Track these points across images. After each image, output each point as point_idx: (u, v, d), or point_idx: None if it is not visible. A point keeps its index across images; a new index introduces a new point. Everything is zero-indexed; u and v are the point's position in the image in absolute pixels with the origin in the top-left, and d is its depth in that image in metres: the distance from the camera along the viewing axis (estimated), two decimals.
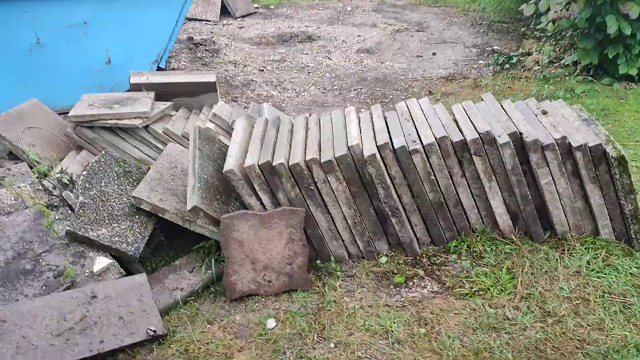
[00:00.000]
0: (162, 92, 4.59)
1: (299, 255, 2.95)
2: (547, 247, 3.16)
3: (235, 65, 6.95)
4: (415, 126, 3.27)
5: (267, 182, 2.99)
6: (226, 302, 2.91)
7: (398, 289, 2.99)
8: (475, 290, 2.90)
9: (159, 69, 5.72)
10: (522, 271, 2.98)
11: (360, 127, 3.31)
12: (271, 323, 2.75)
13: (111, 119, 4.05)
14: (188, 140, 3.94)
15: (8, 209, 3.19)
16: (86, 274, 2.79)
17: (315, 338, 2.64)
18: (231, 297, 2.92)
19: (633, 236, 3.17)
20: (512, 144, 3.04)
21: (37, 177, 3.57)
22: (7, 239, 2.86)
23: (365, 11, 9.99)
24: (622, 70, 5.58)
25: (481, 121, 3.24)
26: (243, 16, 9.86)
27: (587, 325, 2.64)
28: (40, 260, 2.80)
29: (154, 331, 2.61)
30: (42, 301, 2.56)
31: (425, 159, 3.06)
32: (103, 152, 3.52)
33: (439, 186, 3.16)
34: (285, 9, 10.42)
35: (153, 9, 5.43)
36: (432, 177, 3.11)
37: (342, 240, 3.17)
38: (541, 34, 7.29)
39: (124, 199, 3.14)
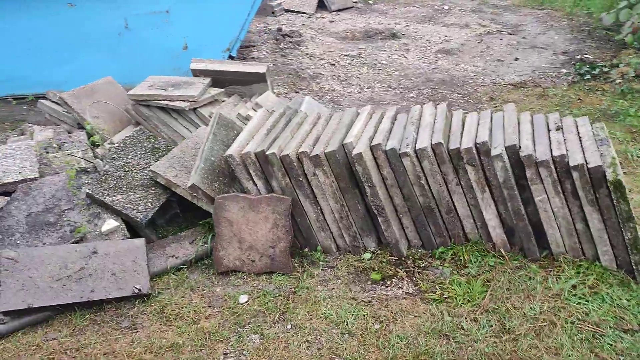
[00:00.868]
0: (218, 79, 4.95)
1: (281, 240, 3.15)
2: (537, 266, 3.09)
3: (310, 58, 7.20)
4: (417, 130, 3.32)
5: (261, 170, 3.21)
6: (213, 275, 3.19)
7: (374, 285, 3.09)
8: (445, 297, 2.93)
9: (230, 57, 6.13)
10: (496, 285, 2.95)
11: (365, 126, 3.42)
12: (243, 298, 2.98)
13: (163, 100, 4.47)
14: None
15: (57, 170, 3.70)
16: (96, 232, 3.19)
17: (276, 318, 2.84)
18: (218, 270, 3.19)
19: (634, 267, 3.00)
20: (504, 156, 3.01)
21: (90, 146, 4.07)
22: (42, 194, 3.35)
23: (462, 11, 9.80)
24: None
25: (485, 131, 3.22)
26: (339, 10, 10.08)
27: (543, 348, 2.59)
28: (63, 216, 3.25)
29: (139, 289, 2.95)
30: (51, 250, 3.00)
31: (416, 163, 3.11)
32: (138, 128, 3.94)
33: (430, 191, 3.20)
34: (382, 5, 10.49)
35: (227, 1, 5.82)
36: (423, 182, 3.15)
37: (331, 232, 3.32)
38: None
39: (145, 171, 3.52)
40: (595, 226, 3.01)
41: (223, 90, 4.83)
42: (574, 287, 2.93)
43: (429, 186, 3.18)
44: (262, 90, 4.98)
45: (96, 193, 3.28)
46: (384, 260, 3.24)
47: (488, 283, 2.99)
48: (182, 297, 3.00)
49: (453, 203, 3.24)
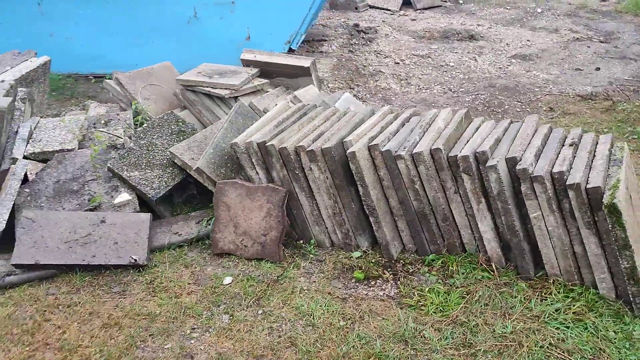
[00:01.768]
0: (266, 71, 5.12)
1: (273, 229, 3.25)
2: (526, 285, 2.96)
3: (377, 55, 7.19)
4: (423, 135, 3.27)
5: (263, 160, 3.33)
6: (209, 255, 3.36)
7: (357, 284, 3.10)
8: (420, 304, 2.89)
9: (290, 50, 6.29)
10: (474, 299, 2.86)
11: (373, 126, 3.42)
12: (227, 280, 3.13)
13: (207, 86, 4.71)
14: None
15: (96, 144, 4.04)
16: (110, 204, 3.47)
17: (250, 302, 2.95)
18: (214, 251, 3.35)
19: (632, 298, 2.78)
20: (499, 168, 2.90)
21: (134, 125, 4.39)
22: (73, 165, 3.69)
23: (555, 15, 9.29)
24: None
25: (490, 141, 3.11)
26: (424, 8, 9.93)
27: None
28: (86, 186, 3.56)
29: (135, 260, 3.18)
30: (65, 214, 3.31)
31: (411, 167, 3.08)
32: (169, 112, 4.19)
33: (426, 197, 3.15)
34: (472, 5, 10.20)
35: None
36: (417, 186, 3.12)
37: (326, 227, 3.37)
38: None
39: (166, 152, 3.76)
40: (592, 251, 2.82)
41: (267, 81, 4.99)
42: (557, 311, 2.78)
43: (424, 191, 3.14)
44: (307, 84, 5.08)
45: (116, 168, 3.56)
46: (373, 261, 3.24)
47: (467, 296, 2.90)
48: (174, 272, 3.20)
49: (451, 211, 3.17)
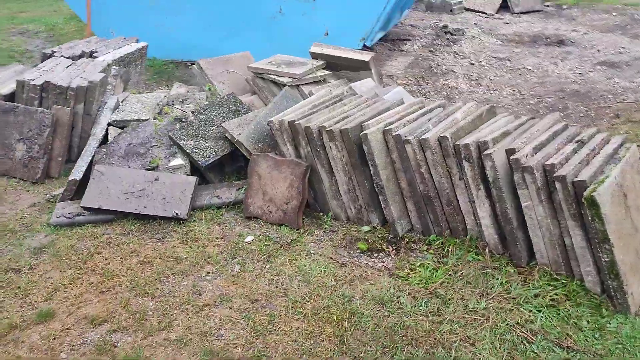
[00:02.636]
0: (332, 64, 5.53)
1: (294, 199, 3.65)
2: (515, 271, 3.11)
3: (455, 56, 7.32)
4: (438, 124, 3.50)
5: (292, 137, 3.74)
6: (240, 217, 3.83)
7: (361, 254, 3.42)
8: (409, 276, 3.15)
9: (364, 47, 6.63)
10: (458, 276, 3.07)
11: (397, 114, 3.70)
12: (249, 238, 3.58)
13: (273, 74, 5.21)
14: None
15: (166, 116, 4.69)
16: (166, 166, 4.07)
17: (262, 258, 3.37)
18: (245, 214, 3.82)
19: (612, 293, 2.86)
20: (495, 157, 3.08)
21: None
22: (144, 132, 4.34)
23: None
24: None
25: (497, 132, 3.29)
26: (522, 12, 9.80)
27: (462, 336, 2.71)
28: (150, 150, 4.19)
29: (177, 214, 3.73)
30: (128, 171, 3.94)
31: (418, 152, 3.34)
32: (230, 93, 4.72)
33: (433, 181, 3.39)
34: (575, 10, 9.89)
35: None
36: (423, 170, 3.37)
37: (343, 202, 3.71)
38: None
39: (220, 127, 4.29)
40: (577, 243, 2.93)
41: (330, 72, 5.39)
42: (535, 296, 2.92)
43: (430, 176, 3.38)
44: (366, 76, 5.41)
45: (175, 137, 4.15)
46: (380, 236, 3.53)
47: (453, 274, 3.11)
48: (207, 227, 3.70)
49: (455, 197, 3.38)
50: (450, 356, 2.61)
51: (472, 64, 6.98)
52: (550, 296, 2.90)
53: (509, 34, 8.48)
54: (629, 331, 2.72)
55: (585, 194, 2.76)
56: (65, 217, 3.77)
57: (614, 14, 9.45)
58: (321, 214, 3.80)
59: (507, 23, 9.13)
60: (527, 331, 2.73)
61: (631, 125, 5.04)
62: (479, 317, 2.81)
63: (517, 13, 9.74)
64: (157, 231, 3.67)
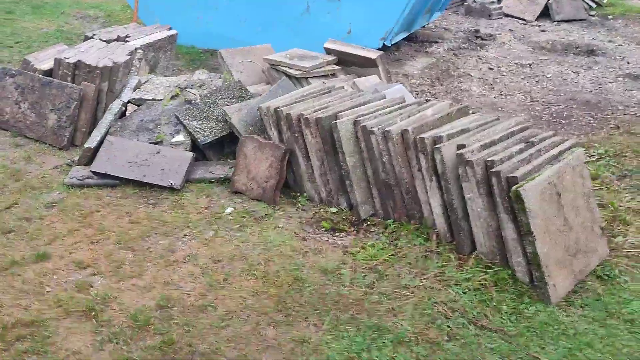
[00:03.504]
0: (343, 60, 5.87)
1: (272, 178, 4.03)
2: (455, 257, 3.38)
3: (477, 60, 7.47)
4: (406, 118, 3.79)
5: (277, 122, 4.11)
6: (228, 192, 4.24)
7: (324, 232, 3.77)
8: (359, 253, 3.47)
9: (384, 46, 6.91)
10: (400, 255, 3.37)
11: (375, 107, 4.01)
12: (228, 210, 3.99)
13: (284, 67, 5.61)
14: None
15: (177, 98, 5.16)
16: (169, 142, 4.53)
17: (234, 227, 3.77)
18: (231, 189, 4.23)
19: (536, 283, 3.08)
20: (443, 150, 3.35)
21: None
22: (156, 110, 4.83)
23: None
24: None
25: (455, 129, 3.56)
26: (563, 20, 9.75)
27: (386, 307, 3.01)
28: (158, 126, 4.67)
29: (172, 184, 4.19)
30: (134, 144, 4.43)
31: (381, 142, 3.64)
32: (237, 80, 5.14)
33: (394, 170, 3.68)
34: (619, 21, 9.77)
35: None
36: (385, 160, 3.67)
37: (317, 185, 4.05)
38: None
39: (223, 111, 4.71)
40: (510, 235, 3.16)
41: (339, 67, 5.73)
42: (466, 280, 3.18)
43: (391, 165, 3.68)
44: (373, 73, 5.72)
45: (180, 116, 4.62)
46: (345, 218, 3.86)
47: (397, 254, 3.41)
48: (196, 198, 4.14)
49: (414, 186, 3.66)
50: (372, 322, 2.92)
51: (491, 68, 7.12)
52: (479, 281, 3.16)
53: (541, 41, 8.51)
54: (544, 318, 2.94)
55: (512, 189, 2.99)
56: (77, 179, 4.30)
57: None
58: (298, 194, 4.16)
59: (544, 31, 9.14)
60: (447, 309, 3.00)
61: (627, 137, 5.11)
62: (408, 293, 3.11)
63: (558, 21, 9.70)
64: (151, 197, 4.14)
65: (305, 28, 7.14)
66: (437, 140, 3.45)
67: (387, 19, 6.73)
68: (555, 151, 3.32)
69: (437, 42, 8.22)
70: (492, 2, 10.11)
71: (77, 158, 4.64)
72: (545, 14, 9.93)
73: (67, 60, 5.14)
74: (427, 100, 5.98)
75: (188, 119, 4.62)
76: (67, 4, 10.98)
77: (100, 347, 2.76)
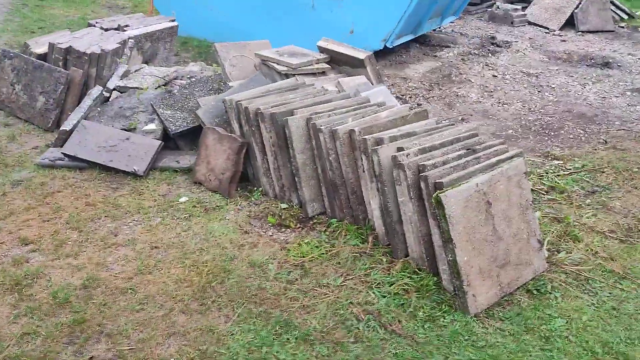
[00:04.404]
0: (335, 59, 5.86)
1: (228, 171, 4.08)
2: (386, 260, 3.34)
3: (484, 67, 7.32)
4: (361, 119, 3.77)
5: (239, 115, 4.16)
6: (188, 181, 4.31)
7: (270, 227, 3.79)
8: (293, 247, 3.48)
9: (385, 47, 6.86)
10: (331, 255, 3.35)
11: (333, 107, 4.00)
12: (183, 199, 4.06)
13: (273, 62, 5.65)
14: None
15: (155, 87, 5.27)
16: (142, 128, 4.64)
17: (182, 216, 3.84)
18: (193, 179, 4.31)
19: (456, 292, 3.02)
20: (380, 152, 3.31)
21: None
22: (135, 99, 4.95)
23: None
24: None
25: (401, 132, 3.52)
26: (588, 31, 9.45)
27: (301, 304, 3.01)
28: (134, 114, 4.79)
29: (135, 170, 4.29)
30: (106, 129, 4.56)
31: (329, 141, 3.63)
32: (218, 73, 5.21)
33: (340, 170, 3.67)
34: None
35: None
36: (332, 159, 3.66)
37: (272, 180, 4.07)
38: None
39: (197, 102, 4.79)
40: (436, 241, 3.11)
41: (328, 66, 5.73)
42: (390, 284, 3.14)
43: (339, 164, 3.66)
44: (362, 73, 5.69)
45: (155, 105, 4.72)
46: (293, 214, 3.87)
47: (328, 253, 3.40)
48: (157, 185, 4.23)
49: (360, 187, 3.64)
50: (282, 318, 2.93)
51: (495, 76, 6.97)
52: (402, 286, 3.11)
53: (558, 51, 8.27)
54: (458, 328, 2.88)
55: (434, 195, 2.94)
56: (49, 160, 4.46)
57: None
58: (255, 188, 4.19)
59: (564, 40, 8.87)
60: (362, 311, 2.98)
61: (612, 152, 4.91)
62: (327, 292, 3.10)
63: (582, 32, 9.39)
64: (114, 182, 4.26)
65: (310, 24, 7.15)
66: (378, 141, 3.42)
67: (389, 21, 6.67)
68: (493, 160, 3.24)
69: (448, 47, 8.09)
70: (516, 10, 9.87)
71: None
72: (571, 23, 9.63)
73: (59, 46, 5.33)
74: (418, 105, 5.94)
75: (162, 108, 4.72)
76: None
77: (14, 320, 2.87)
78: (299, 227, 3.76)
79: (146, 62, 6.03)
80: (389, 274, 3.22)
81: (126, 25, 6.13)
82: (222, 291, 3.11)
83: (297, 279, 3.20)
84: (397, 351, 2.76)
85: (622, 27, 9.79)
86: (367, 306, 3.01)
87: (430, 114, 5.57)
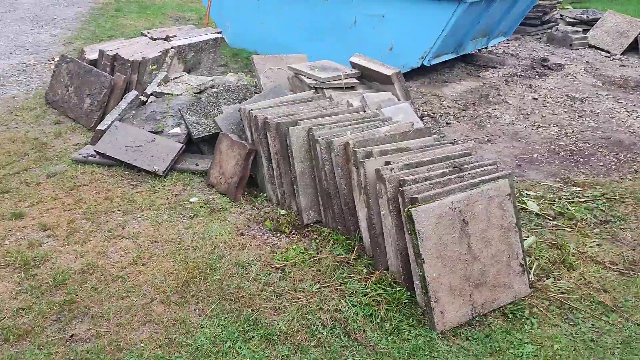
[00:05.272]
0: (365, 74, 5.98)
1: (236, 176, 4.28)
2: (367, 271, 3.41)
3: (527, 89, 7.17)
4: (360, 132, 3.87)
5: (250, 123, 4.36)
6: (203, 183, 4.55)
7: (267, 231, 3.94)
8: (281, 252, 3.61)
9: (422, 65, 6.88)
10: (314, 262, 3.46)
11: (338, 120, 4.12)
12: (193, 199, 4.30)
13: (304, 76, 5.84)
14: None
15: (185, 94, 5.58)
16: (168, 131, 4.95)
17: (188, 215, 4.07)
18: (207, 182, 4.54)
19: (425, 307, 3.04)
20: (366, 165, 3.40)
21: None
22: (168, 104, 5.28)
23: None
24: None
25: (394, 147, 3.59)
26: None
27: (273, 305, 3.13)
28: (163, 118, 5.11)
29: (156, 170, 4.59)
30: (135, 130, 4.89)
31: (325, 152, 3.76)
32: (246, 83, 5.44)
33: (335, 180, 3.78)
34: None
35: (426, 17, 6.57)
36: (326, 169, 3.77)
37: (276, 186, 4.23)
38: None
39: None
40: (411, 256, 3.14)
41: (357, 81, 5.85)
42: (363, 295, 3.20)
43: (333, 175, 3.77)
44: (389, 89, 5.77)
45: (182, 110, 5.02)
46: (290, 220, 4.01)
47: (311, 259, 3.50)
48: (173, 185, 4.50)
49: (353, 199, 3.73)
50: (252, 317, 3.06)
51: (536, 98, 6.81)
52: (374, 297, 3.17)
53: (614, 76, 7.96)
54: (420, 343, 2.90)
55: (405, 209, 2.99)
56: (82, 156, 4.85)
57: None
58: (260, 194, 4.36)
59: (624, 65, 8.52)
60: (329, 317, 3.06)
61: (639, 182, 4.71)
62: (300, 296, 3.20)
63: None
64: (135, 179, 4.56)
65: (352, 41, 7.31)
66: (368, 154, 3.50)
67: (426, 39, 6.70)
68: (477, 180, 3.24)
69: (495, 67, 7.99)
70: (576, 32, 9.58)
71: None
72: (635, 48, 9.22)
73: (108, 53, 5.77)
74: (447, 124, 5.94)
75: (188, 114, 5.00)
76: (170, 6, 12.05)
77: (15, 296, 3.17)
78: (293, 233, 3.89)
79: (188, 71, 6.39)
80: (364, 285, 3.28)
81: (173, 36, 6.52)
82: (203, 287, 3.29)
83: (275, 282, 3.33)
84: (355, 358, 2.82)
85: None
86: (335, 313, 3.09)
87: (457, 134, 5.58)
